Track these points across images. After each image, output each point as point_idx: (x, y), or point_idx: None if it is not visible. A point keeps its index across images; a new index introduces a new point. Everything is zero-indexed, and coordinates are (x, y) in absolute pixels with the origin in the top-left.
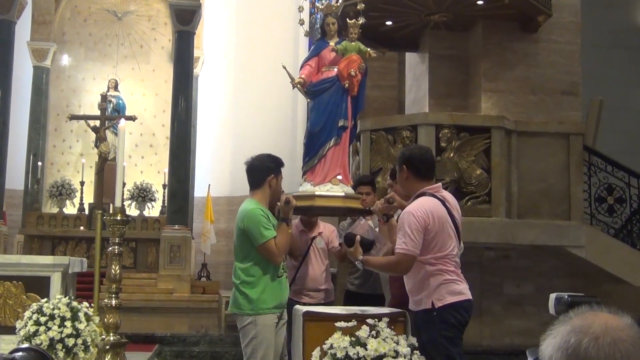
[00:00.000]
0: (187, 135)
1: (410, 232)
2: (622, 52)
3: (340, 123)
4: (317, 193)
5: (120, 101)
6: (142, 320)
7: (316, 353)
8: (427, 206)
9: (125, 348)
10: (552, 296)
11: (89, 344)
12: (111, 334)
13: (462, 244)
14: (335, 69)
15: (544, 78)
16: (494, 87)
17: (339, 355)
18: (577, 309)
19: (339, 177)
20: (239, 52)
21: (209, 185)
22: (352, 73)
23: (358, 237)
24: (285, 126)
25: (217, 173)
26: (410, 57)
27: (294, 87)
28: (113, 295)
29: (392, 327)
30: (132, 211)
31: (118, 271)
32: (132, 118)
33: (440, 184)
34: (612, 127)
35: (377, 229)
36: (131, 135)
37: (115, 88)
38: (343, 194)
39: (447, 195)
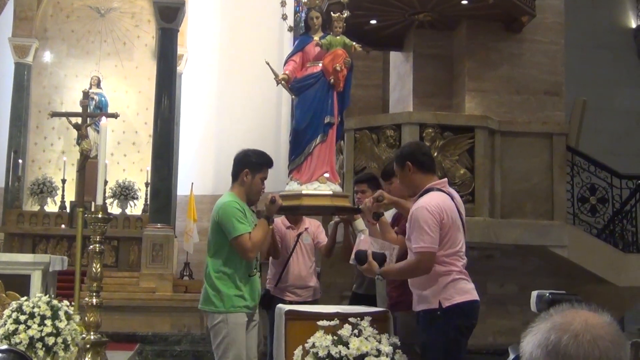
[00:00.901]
0: (171, 133)
1: (428, 228)
2: (606, 53)
3: (327, 120)
4: (304, 192)
5: (103, 98)
6: (124, 319)
7: (298, 352)
8: (439, 200)
9: (106, 347)
10: (534, 294)
11: (69, 342)
12: (92, 333)
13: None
14: (320, 64)
15: (528, 78)
16: (478, 86)
17: (321, 354)
18: (558, 307)
19: (326, 175)
20: (223, 50)
21: (192, 183)
22: (338, 68)
23: (369, 252)
24: (270, 124)
25: (200, 171)
26: (395, 56)
27: (277, 84)
28: (94, 294)
29: (375, 326)
30: (114, 209)
31: (99, 269)
32: (114, 115)
33: (446, 179)
34: (595, 128)
35: (367, 230)
36: (113, 133)
37: (98, 85)
38: (331, 192)
39: (453, 191)
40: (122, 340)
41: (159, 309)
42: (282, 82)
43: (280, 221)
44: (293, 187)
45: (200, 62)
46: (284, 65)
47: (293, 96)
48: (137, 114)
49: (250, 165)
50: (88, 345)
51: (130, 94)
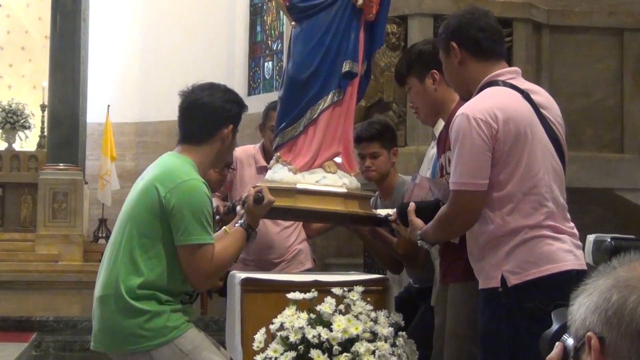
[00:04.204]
0: (76, 34)
1: (467, 150)
2: None
3: (346, 67)
4: (299, 186)
5: None
6: (14, 299)
7: (260, 336)
8: (495, 101)
9: None
10: (590, 238)
11: None
12: None
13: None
14: None
15: None
16: None
17: (292, 338)
18: (622, 257)
19: (338, 159)
20: None
21: (109, 106)
22: None
23: (412, 206)
24: (220, 24)
25: (120, 90)
26: None
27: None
28: None
29: (369, 299)
30: None
31: None
32: None
33: (518, 68)
34: None
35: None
36: None
37: None
38: (344, 189)
39: (537, 88)
40: (12, 328)
41: (64, 284)
42: None
43: (243, 156)
44: (282, 175)
45: None
46: None
47: (292, 22)
48: (28, 6)
49: (232, 118)
50: None
51: None
